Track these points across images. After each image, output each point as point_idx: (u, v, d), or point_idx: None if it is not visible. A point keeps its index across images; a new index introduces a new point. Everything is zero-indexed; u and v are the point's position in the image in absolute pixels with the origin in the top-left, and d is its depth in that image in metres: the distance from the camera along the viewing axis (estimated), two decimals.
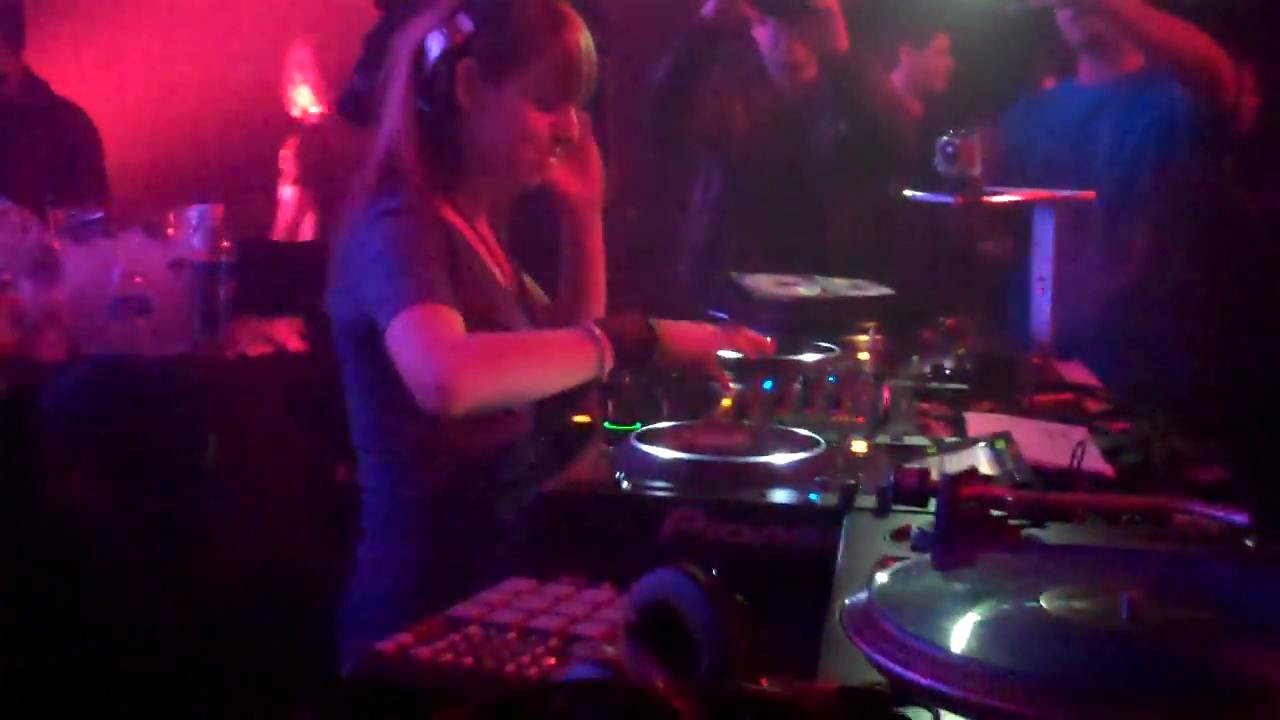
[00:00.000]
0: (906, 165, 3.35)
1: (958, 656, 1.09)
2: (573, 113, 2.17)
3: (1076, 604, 1.23)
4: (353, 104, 3.77)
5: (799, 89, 3.78)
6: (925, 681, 1.07)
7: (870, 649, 1.14)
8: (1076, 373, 3.03)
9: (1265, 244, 3.56)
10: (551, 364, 2.01)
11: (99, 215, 3.36)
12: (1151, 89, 3.48)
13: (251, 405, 3.45)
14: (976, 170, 2.94)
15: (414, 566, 2.13)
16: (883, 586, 1.26)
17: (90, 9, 4.53)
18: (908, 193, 3.08)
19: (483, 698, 0.86)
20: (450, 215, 2.16)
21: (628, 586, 1.49)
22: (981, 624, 1.19)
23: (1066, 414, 2.55)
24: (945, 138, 2.95)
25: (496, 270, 2.25)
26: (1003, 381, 2.66)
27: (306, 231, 3.54)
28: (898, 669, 1.10)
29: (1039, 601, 1.23)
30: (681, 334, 2.15)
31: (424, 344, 1.91)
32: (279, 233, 3.83)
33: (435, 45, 2.08)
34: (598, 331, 2.02)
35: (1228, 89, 3.31)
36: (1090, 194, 3.08)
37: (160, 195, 4.18)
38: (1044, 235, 3.10)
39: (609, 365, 2.01)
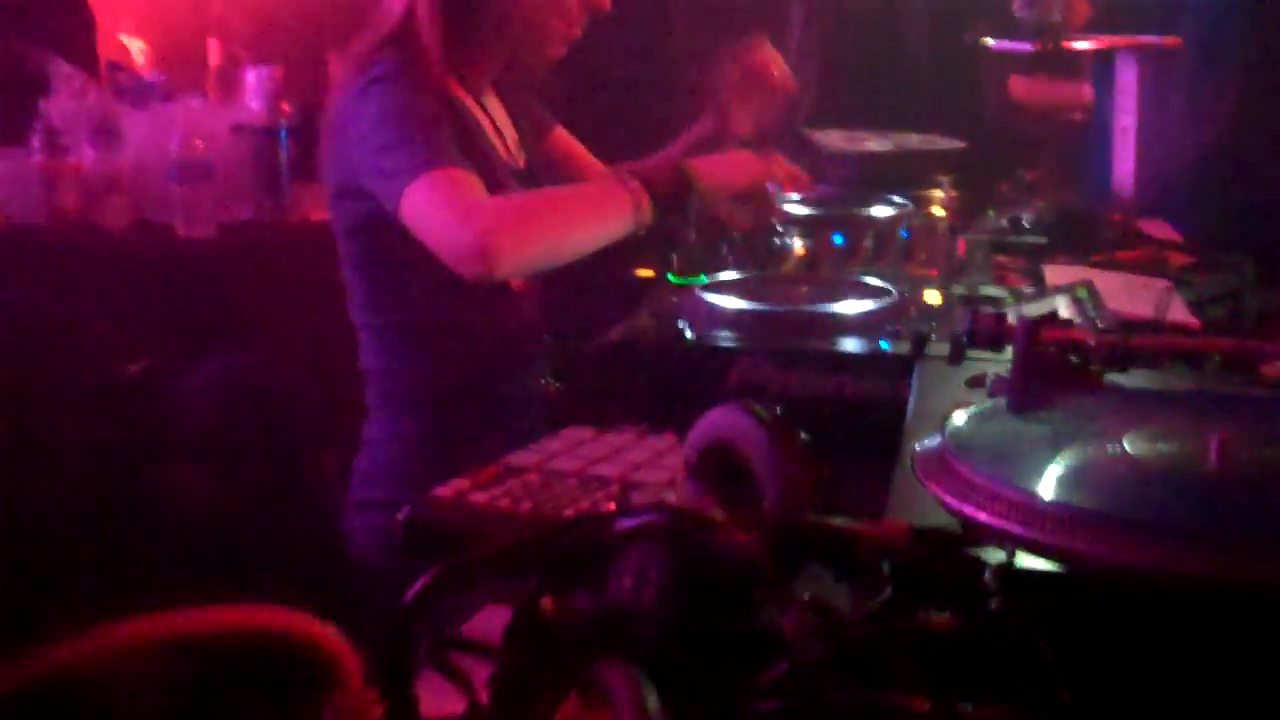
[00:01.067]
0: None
1: (1034, 498, 1.04)
2: None
3: (1161, 447, 1.17)
4: None
5: None
6: (1000, 523, 1.02)
7: (942, 490, 1.09)
8: (1160, 229, 2.93)
9: None
10: (590, 218, 1.90)
11: (160, 80, 3.33)
12: None
13: (316, 268, 3.42)
14: (1057, 16, 2.81)
15: (418, 442, 2.06)
16: (956, 429, 1.20)
17: None
18: (986, 40, 2.95)
19: (538, 529, 0.82)
20: (454, 88, 2.05)
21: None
22: (1060, 466, 1.13)
23: (1149, 268, 2.46)
24: None
25: (502, 148, 2.14)
26: (1083, 236, 2.57)
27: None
28: (971, 510, 1.05)
29: (1121, 444, 1.17)
30: (716, 168, 2.01)
31: (452, 209, 1.81)
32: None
33: None
34: (632, 181, 1.91)
35: None
36: (1175, 40, 2.93)
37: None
38: (1127, 84, 2.97)
39: (646, 215, 1.90)
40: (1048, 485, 1.08)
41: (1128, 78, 2.93)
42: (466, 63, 2.04)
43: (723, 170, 2.02)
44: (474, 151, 1.99)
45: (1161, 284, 2.20)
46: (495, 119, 2.16)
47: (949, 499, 1.08)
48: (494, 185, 1.97)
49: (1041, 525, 1.00)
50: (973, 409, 1.26)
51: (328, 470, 2.63)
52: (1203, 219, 3.11)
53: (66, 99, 3.18)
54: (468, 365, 2.05)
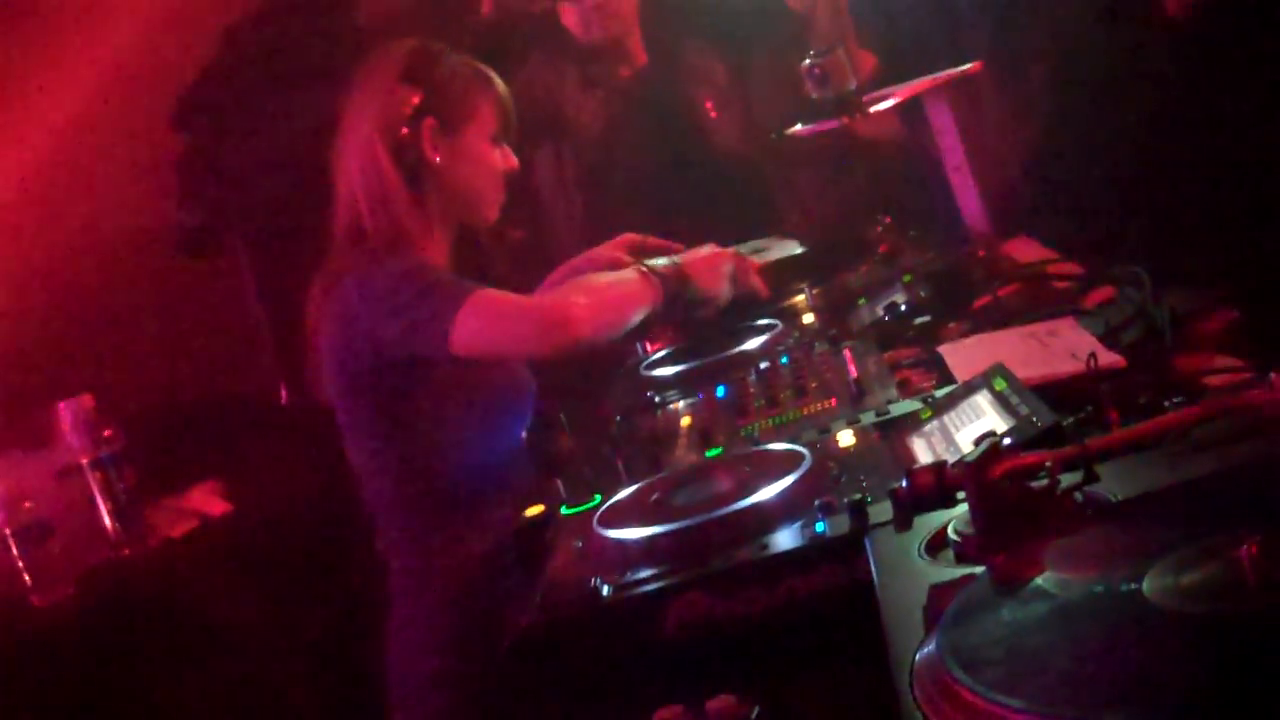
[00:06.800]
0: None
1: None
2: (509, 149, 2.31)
3: (1186, 579, 0.98)
4: (189, 239, 3.50)
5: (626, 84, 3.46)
6: None
7: None
8: (1025, 249, 2.80)
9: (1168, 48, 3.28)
10: (630, 293, 2.12)
11: None
12: None
13: (193, 584, 3.16)
14: (852, 84, 2.69)
15: (448, 608, 2.10)
16: (949, 639, 1.00)
17: None
18: (792, 130, 2.82)
19: None
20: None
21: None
22: (1086, 651, 0.94)
23: (1039, 301, 2.32)
24: (809, 61, 2.70)
25: None
26: (960, 291, 2.42)
27: None
28: None
29: (1141, 590, 0.98)
30: (699, 262, 2.24)
31: (513, 305, 2.03)
32: None
33: (400, 114, 2.17)
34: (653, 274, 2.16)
35: None
36: (977, 65, 2.83)
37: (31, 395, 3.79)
38: (944, 123, 2.86)
39: (660, 301, 2.14)
40: (1083, 687, 0.89)
41: (942, 117, 2.81)
42: (424, 247, 2.19)
43: (704, 262, 2.24)
44: None
45: (1066, 323, 2.04)
46: None
47: None
48: None
49: None
50: (955, 604, 1.07)
51: None
52: (1056, 221, 3.00)
53: None
54: (481, 523, 2.10)
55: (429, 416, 2.12)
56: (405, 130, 2.17)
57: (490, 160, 2.27)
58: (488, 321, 2.00)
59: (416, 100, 2.18)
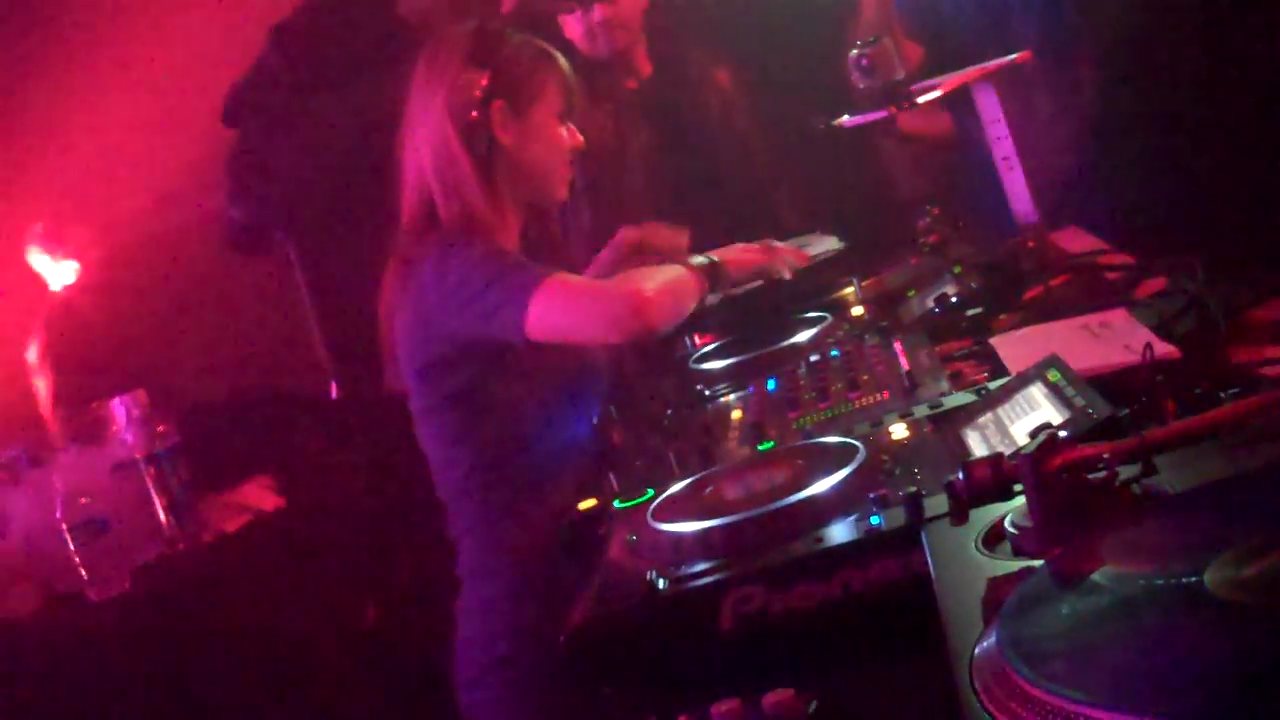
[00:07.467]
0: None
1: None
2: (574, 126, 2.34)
3: (1248, 571, 0.98)
4: (240, 236, 3.53)
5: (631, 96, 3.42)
6: None
7: None
8: (1075, 239, 2.78)
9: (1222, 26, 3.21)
10: (686, 283, 2.19)
11: (16, 452, 3.10)
12: None
13: (246, 578, 3.19)
14: (900, 74, 2.68)
15: (521, 589, 2.13)
16: (1009, 633, 1.00)
17: None
18: (839, 121, 2.81)
19: None
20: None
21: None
22: (1148, 644, 0.94)
23: (1090, 292, 2.30)
24: (855, 51, 2.68)
25: None
26: (1010, 282, 2.41)
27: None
28: None
29: (1202, 582, 0.98)
30: (733, 256, 2.34)
31: (587, 293, 2.07)
32: None
33: (470, 98, 2.19)
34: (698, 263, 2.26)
35: None
36: (1026, 54, 2.81)
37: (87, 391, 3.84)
38: (992, 113, 2.82)
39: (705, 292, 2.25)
40: (1144, 681, 0.88)
41: (991, 106, 2.79)
42: (495, 229, 2.21)
43: (737, 257, 2.35)
44: None
45: (1118, 314, 2.03)
46: None
47: None
48: None
49: None
50: (1014, 596, 1.06)
51: None
52: (1107, 208, 2.98)
53: None
54: (550, 503, 2.10)
55: (503, 403, 2.15)
56: (475, 114, 2.19)
57: (558, 138, 2.30)
58: (563, 306, 2.02)
59: (485, 83, 2.20)
